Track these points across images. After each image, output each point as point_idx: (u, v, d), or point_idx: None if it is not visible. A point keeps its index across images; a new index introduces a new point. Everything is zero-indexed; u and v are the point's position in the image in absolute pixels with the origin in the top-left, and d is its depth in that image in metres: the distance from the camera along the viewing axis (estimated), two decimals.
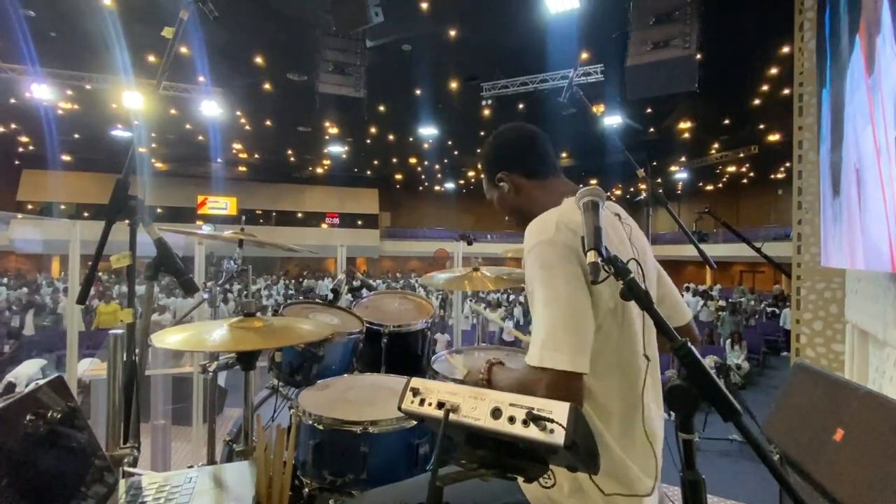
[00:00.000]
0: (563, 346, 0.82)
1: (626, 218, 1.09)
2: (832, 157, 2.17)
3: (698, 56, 5.44)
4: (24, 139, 18.57)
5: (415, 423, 1.33)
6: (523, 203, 1.13)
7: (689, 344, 0.65)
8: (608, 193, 0.87)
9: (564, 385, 0.82)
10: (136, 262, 1.25)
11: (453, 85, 12.40)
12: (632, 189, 21.11)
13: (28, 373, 5.13)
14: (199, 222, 22.70)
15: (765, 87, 11.82)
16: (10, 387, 4.79)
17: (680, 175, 22.31)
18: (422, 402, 0.70)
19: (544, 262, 0.88)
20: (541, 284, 0.87)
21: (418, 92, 12.88)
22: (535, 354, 0.84)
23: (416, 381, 0.73)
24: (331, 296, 2.15)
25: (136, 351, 1.14)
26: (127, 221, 1.20)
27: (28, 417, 0.77)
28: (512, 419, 0.61)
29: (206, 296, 1.87)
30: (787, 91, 11.20)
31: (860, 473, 1.09)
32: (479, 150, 1.27)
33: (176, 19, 1.35)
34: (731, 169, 21.20)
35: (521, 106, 12.87)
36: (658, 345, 1.03)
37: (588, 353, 0.84)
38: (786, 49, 9.32)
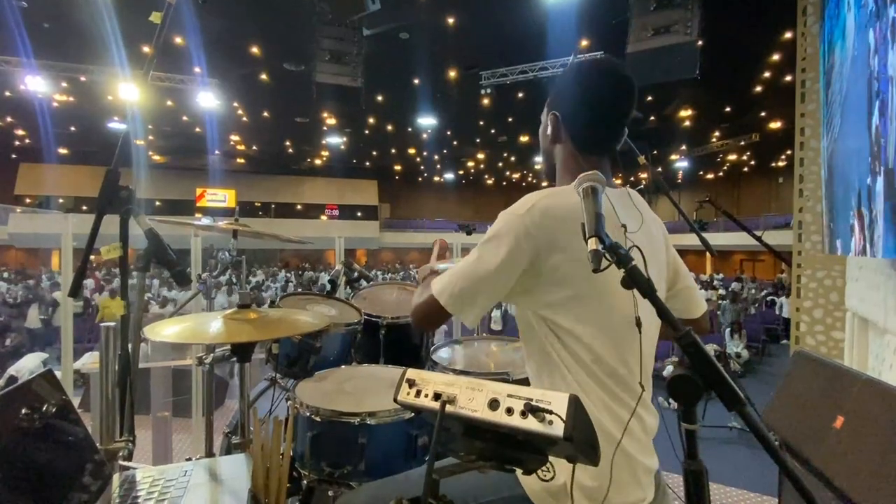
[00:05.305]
0: (459, 291, 0.91)
1: (639, 204, 1.00)
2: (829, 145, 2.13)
3: (699, 42, 5.36)
4: (20, 132, 18.45)
5: (413, 414, 1.32)
6: (553, 155, 1.06)
7: (693, 333, 0.63)
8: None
9: (437, 315, 0.94)
10: (131, 254, 1.23)
11: (452, 74, 12.27)
12: (632, 178, 20.99)
13: (29, 366, 5.12)
14: (197, 215, 22.63)
15: (766, 74, 11.69)
16: (12, 380, 4.79)
17: (680, 163, 22.19)
18: (418, 393, 0.68)
19: (497, 232, 0.91)
20: (482, 245, 0.93)
21: (416, 81, 12.74)
22: (438, 285, 0.94)
23: (411, 372, 0.71)
24: (328, 287, 2.14)
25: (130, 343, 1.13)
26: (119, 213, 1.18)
27: (17, 412, 0.76)
28: (510, 410, 0.59)
29: (200, 287, 1.85)
30: (789, 78, 11.08)
31: (860, 461, 1.09)
32: (547, 96, 1.10)
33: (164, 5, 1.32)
34: (732, 157, 21.08)
35: (520, 94, 12.75)
36: (661, 332, 1.01)
37: (475, 311, 0.93)
38: (788, 35, 9.21)
